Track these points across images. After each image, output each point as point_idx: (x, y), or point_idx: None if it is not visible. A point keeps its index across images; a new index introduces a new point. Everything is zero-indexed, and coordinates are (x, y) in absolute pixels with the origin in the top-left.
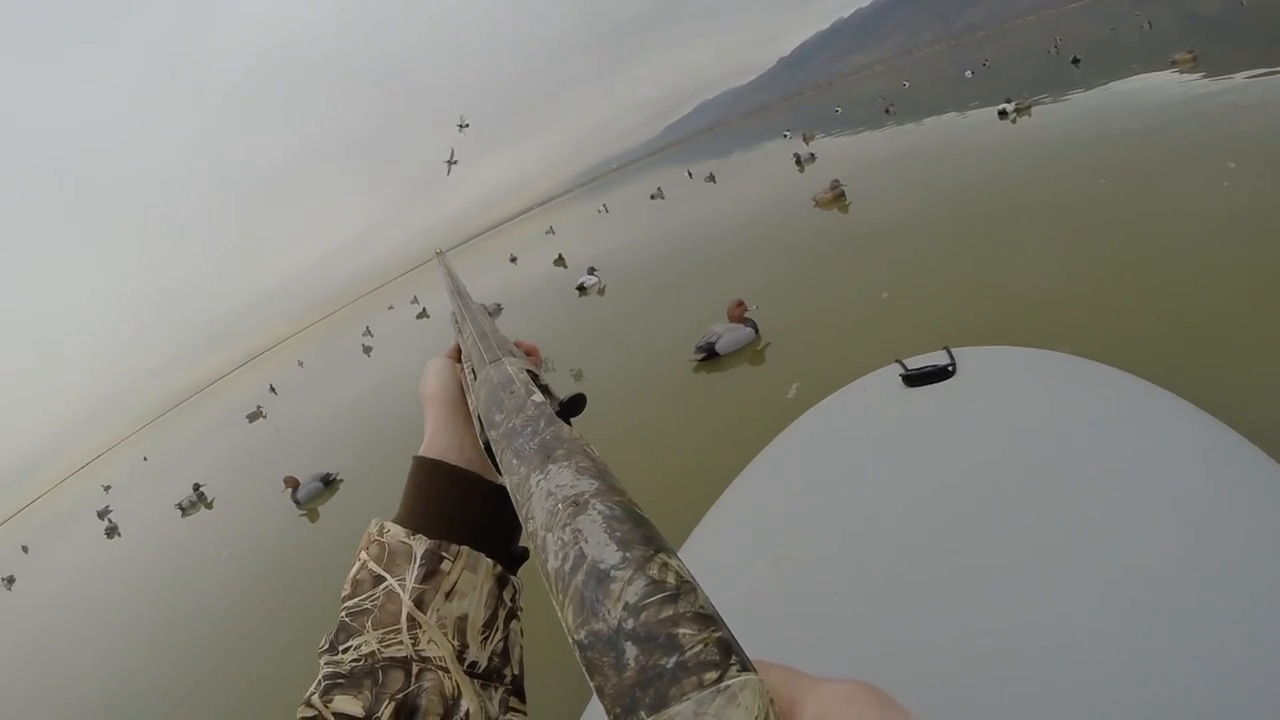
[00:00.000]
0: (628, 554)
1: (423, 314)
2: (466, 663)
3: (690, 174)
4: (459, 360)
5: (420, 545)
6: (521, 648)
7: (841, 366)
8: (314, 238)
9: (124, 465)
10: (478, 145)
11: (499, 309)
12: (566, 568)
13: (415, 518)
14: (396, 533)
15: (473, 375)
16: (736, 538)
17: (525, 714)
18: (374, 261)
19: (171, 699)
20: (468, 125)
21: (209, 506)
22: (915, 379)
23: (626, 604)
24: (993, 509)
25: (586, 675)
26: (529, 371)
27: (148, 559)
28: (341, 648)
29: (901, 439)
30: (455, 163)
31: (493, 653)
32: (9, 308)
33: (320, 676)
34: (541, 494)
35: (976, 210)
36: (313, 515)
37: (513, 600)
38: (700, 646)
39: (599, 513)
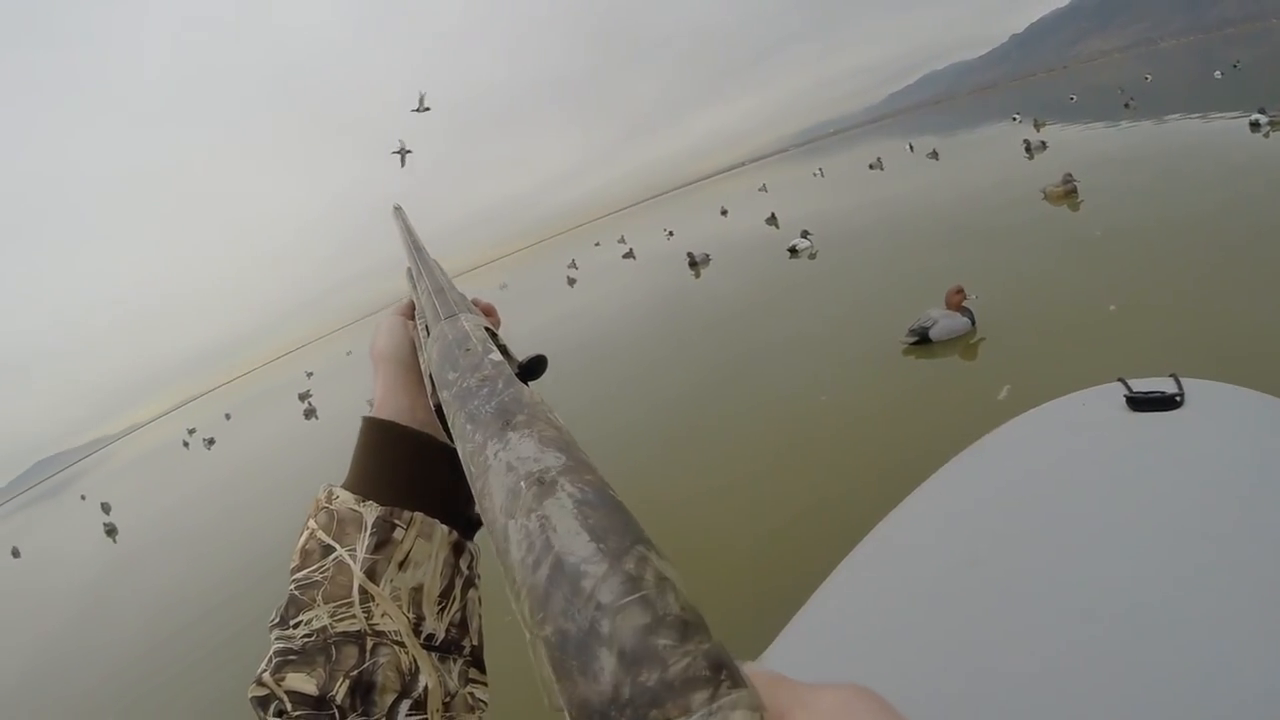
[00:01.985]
0: (602, 545)
1: (629, 254)
2: (423, 635)
3: (911, 147)
4: (412, 319)
5: (371, 513)
6: (480, 617)
7: (1058, 375)
8: (525, 169)
9: (329, 357)
10: (694, 90)
11: (707, 259)
12: (530, 560)
13: (365, 483)
14: (346, 499)
15: (426, 332)
16: (934, 530)
17: (485, 684)
18: (583, 197)
19: None
20: (427, 109)
21: None
22: (1140, 403)
23: (599, 603)
24: (1207, 557)
25: (551, 675)
26: (487, 329)
27: (338, 443)
28: (292, 622)
29: (1118, 463)
30: (408, 152)
31: (450, 624)
32: (260, 201)
33: (271, 652)
34: (500, 467)
35: (1219, 232)
36: None
37: (469, 568)
38: (687, 660)
39: (569, 495)
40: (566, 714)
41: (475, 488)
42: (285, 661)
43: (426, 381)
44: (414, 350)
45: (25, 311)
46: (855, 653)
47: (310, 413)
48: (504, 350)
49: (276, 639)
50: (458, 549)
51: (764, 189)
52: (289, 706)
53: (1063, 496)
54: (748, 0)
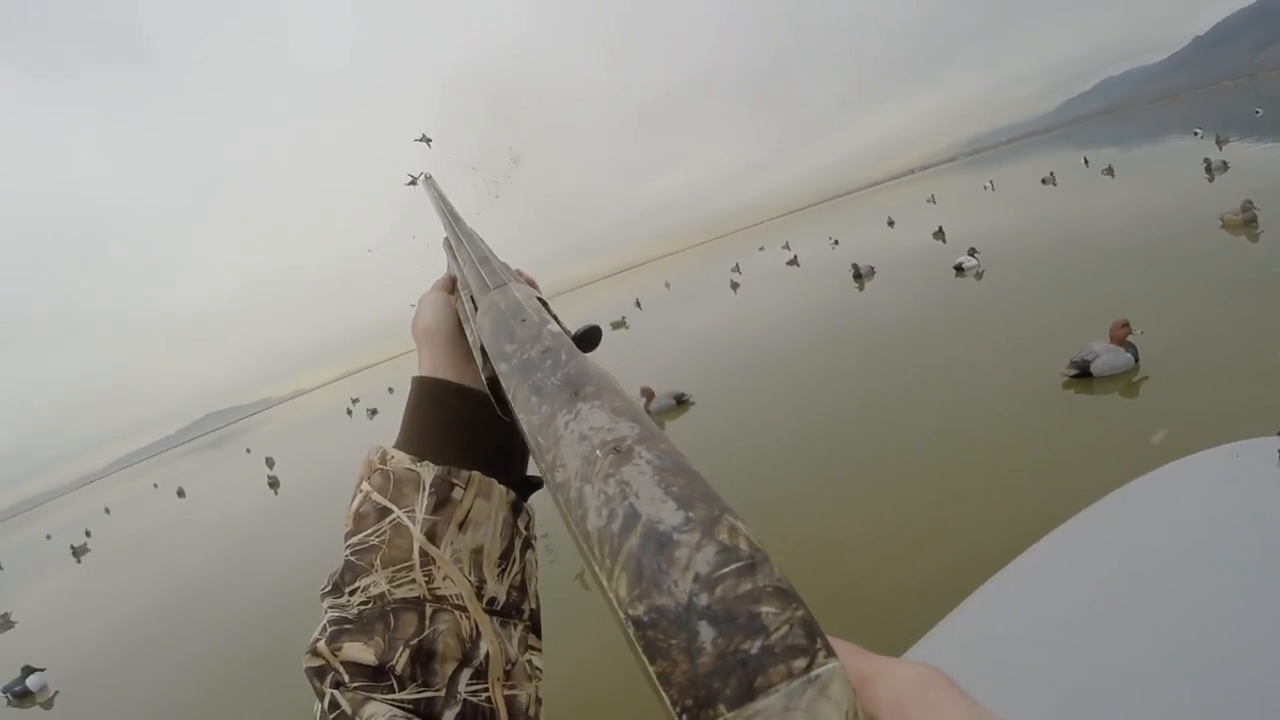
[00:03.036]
0: (691, 514)
1: (793, 261)
2: (485, 600)
3: (1086, 161)
4: (453, 292)
5: (428, 472)
6: (537, 579)
7: (1217, 423)
8: (691, 168)
9: None
10: (865, 89)
11: (872, 271)
12: (614, 527)
13: (419, 442)
14: (401, 459)
15: (472, 304)
16: (1072, 567)
17: (540, 651)
18: (749, 200)
19: None
20: (430, 140)
21: None
22: None
23: (698, 575)
24: None
25: (643, 657)
26: (539, 299)
27: None
28: (348, 589)
29: (1264, 522)
30: (414, 183)
31: (511, 586)
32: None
33: (325, 621)
34: (572, 437)
35: None
36: (659, 426)
37: (527, 528)
38: (785, 628)
39: (647, 462)
40: (663, 693)
41: (545, 461)
42: (341, 630)
43: (477, 354)
44: (459, 323)
45: (213, 277)
46: (978, 676)
47: None
48: (555, 319)
49: (330, 607)
50: (515, 509)
51: (932, 200)
52: (346, 678)
53: (1201, 550)
54: None
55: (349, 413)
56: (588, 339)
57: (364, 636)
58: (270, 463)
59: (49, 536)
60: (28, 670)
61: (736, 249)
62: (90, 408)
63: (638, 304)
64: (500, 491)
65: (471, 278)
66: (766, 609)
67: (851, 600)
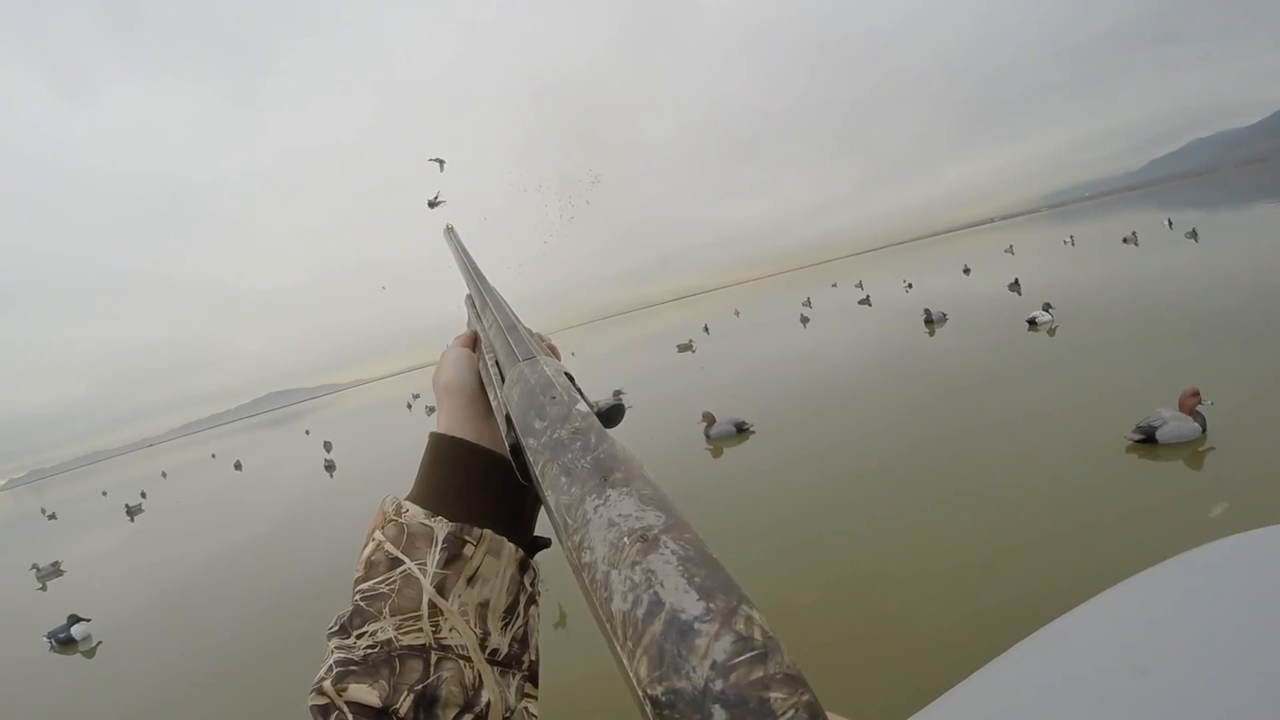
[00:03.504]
0: (711, 604)
1: (865, 300)
2: (488, 651)
3: (1170, 223)
4: (474, 349)
5: (442, 528)
6: (538, 633)
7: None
8: (770, 199)
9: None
10: (946, 136)
11: (944, 318)
12: (639, 613)
13: (434, 498)
14: (416, 513)
15: (497, 371)
16: (1111, 631)
17: (536, 699)
18: (824, 235)
19: None
20: (443, 161)
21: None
22: None
23: (715, 662)
24: None
25: None
26: (566, 374)
27: None
28: (356, 632)
29: None
30: (440, 203)
31: (513, 639)
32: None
33: (331, 661)
34: (601, 522)
35: None
36: (717, 452)
37: (532, 585)
38: (792, 712)
39: (673, 553)
40: None
41: (572, 540)
42: (347, 672)
43: (501, 421)
44: (480, 383)
45: (288, 263)
46: None
47: None
48: (583, 397)
49: (336, 648)
50: (523, 566)
51: (1010, 251)
52: (350, 717)
53: (1246, 630)
54: (1008, 46)
55: (409, 407)
56: (611, 416)
57: (369, 679)
58: (328, 446)
59: (105, 493)
60: (73, 619)
61: (808, 283)
62: (157, 374)
63: (706, 329)
64: (510, 550)
65: (499, 344)
66: (776, 695)
67: (896, 636)
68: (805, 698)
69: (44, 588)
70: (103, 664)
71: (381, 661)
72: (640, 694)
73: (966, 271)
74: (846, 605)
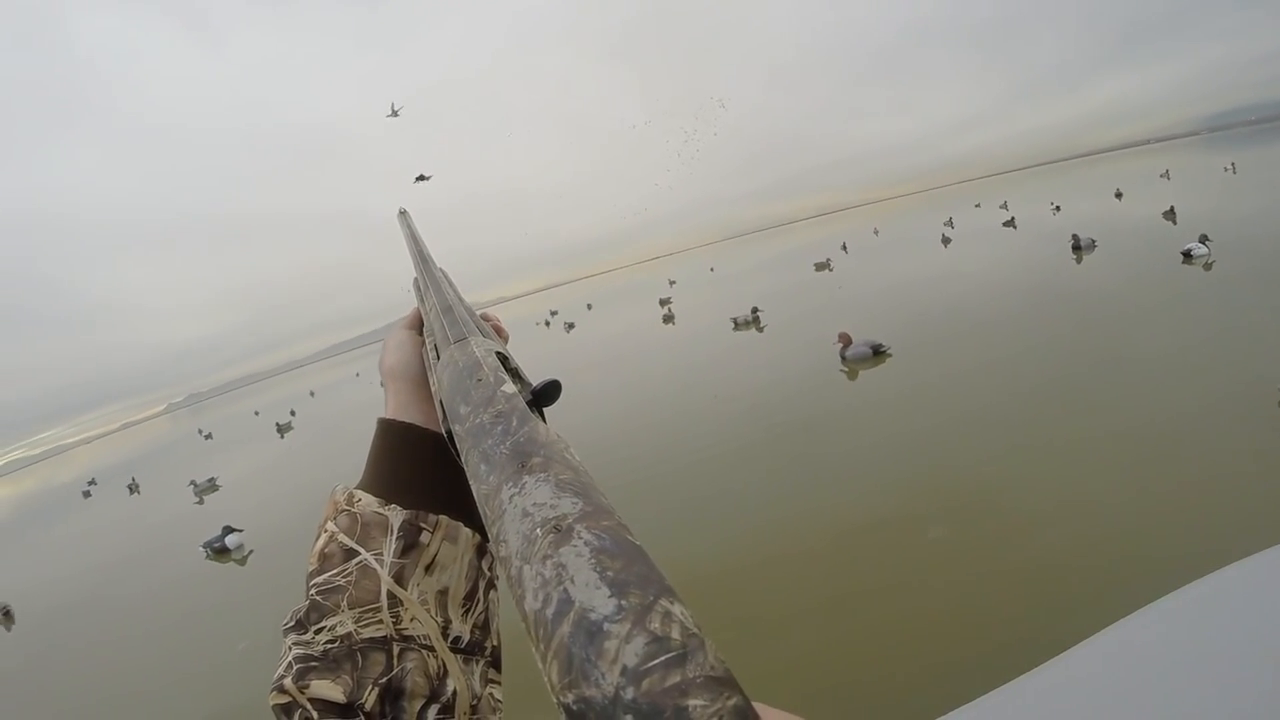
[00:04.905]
0: (624, 601)
1: (1009, 223)
2: (450, 639)
3: None
4: (420, 332)
5: (397, 516)
6: (499, 617)
7: None
8: (909, 115)
9: (692, 268)
10: (1099, 50)
11: (1093, 244)
12: (549, 612)
13: (386, 485)
14: (369, 502)
15: (435, 354)
16: (1244, 602)
17: (500, 684)
18: (967, 153)
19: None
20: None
21: (760, 329)
22: None
23: (625, 668)
24: None
25: None
26: (498, 354)
27: (694, 351)
28: (314, 628)
29: None
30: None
31: (474, 625)
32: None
33: (291, 659)
34: (516, 513)
35: None
36: (852, 374)
37: (490, 569)
38: None
39: (585, 544)
40: None
41: (491, 532)
42: (308, 668)
43: (438, 407)
44: (424, 367)
45: (425, 189)
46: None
47: (669, 318)
48: (516, 375)
49: (294, 644)
50: (480, 551)
51: (1166, 176)
52: (314, 715)
53: None
54: None
55: (546, 324)
56: (547, 394)
57: (331, 675)
58: None
59: (257, 413)
60: (227, 530)
61: (950, 203)
62: (304, 301)
63: (844, 248)
64: (466, 535)
65: (436, 327)
66: (695, 701)
67: (1031, 573)
68: (731, 701)
69: (201, 501)
70: (253, 570)
71: (343, 656)
72: (555, 700)
73: (1119, 196)
74: (976, 540)
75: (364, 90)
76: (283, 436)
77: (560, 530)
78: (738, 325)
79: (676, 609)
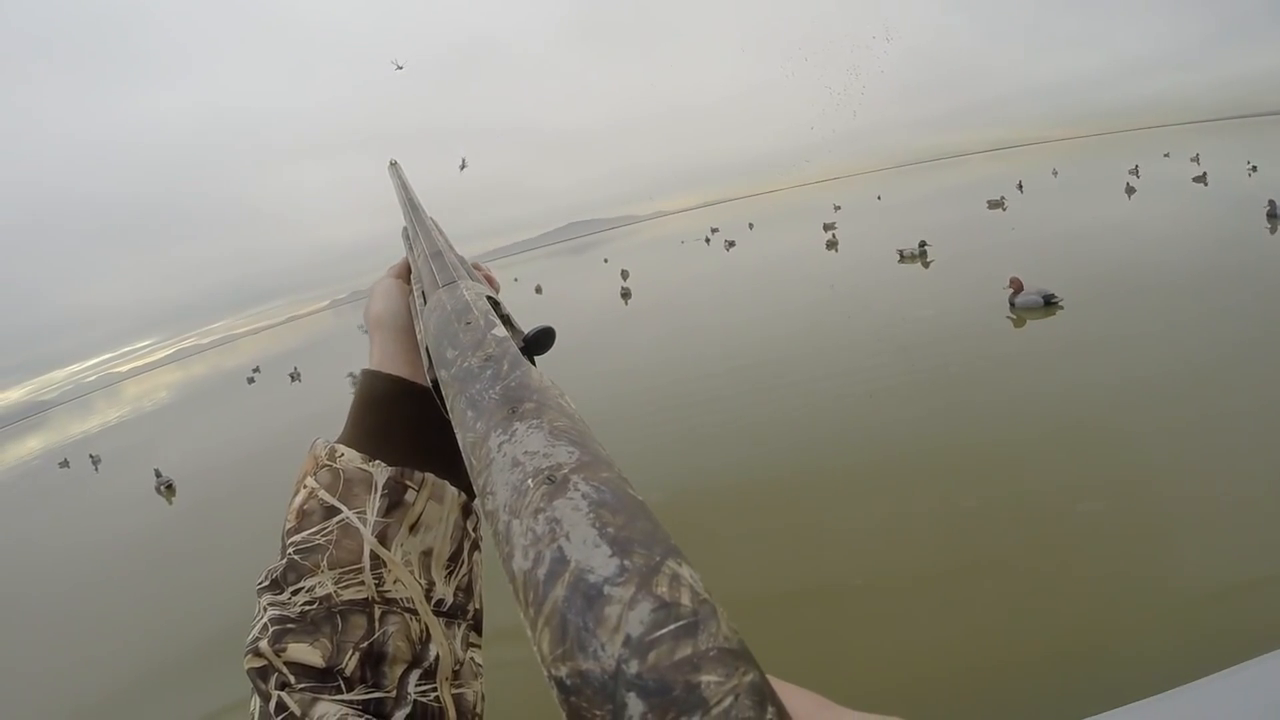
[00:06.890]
0: (627, 562)
1: (1200, 179)
2: (433, 601)
3: None
4: (409, 282)
5: (381, 473)
6: (482, 579)
7: None
8: (1093, 51)
9: (858, 195)
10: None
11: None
12: (540, 573)
13: (369, 440)
14: (352, 457)
15: (422, 299)
16: None
17: (480, 648)
18: (1156, 97)
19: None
20: (401, 66)
21: (926, 265)
22: None
23: (628, 637)
24: None
25: None
26: (489, 299)
27: (857, 280)
28: (291, 588)
29: None
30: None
31: (457, 588)
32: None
33: (266, 620)
34: (505, 462)
35: None
36: (1019, 322)
37: (475, 530)
38: (730, 699)
39: (583, 496)
40: None
41: (477, 484)
42: (284, 630)
43: (423, 355)
44: (411, 316)
45: (588, 102)
46: None
47: (832, 244)
48: (508, 321)
49: (269, 604)
50: (466, 511)
51: None
52: (292, 679)
53: None
54: None
55: (707, 241)
56: (540, 341)
57: (309, 638)
58: (625, 274)
59: None
60: None
61: (1135, 149)
62: (466, 207)
63: (1019, 186)
64: (453, 494)
65: (424, 272)
66: (708, 678)
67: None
68: (748, 678)
69: None
70: None
71: (322, 618)
72: (545, 673)
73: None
74: (1134, 521)
75: (524, 8)
76: None
77: (554, 481)
78: (903, 258)
79: (685, 571)
